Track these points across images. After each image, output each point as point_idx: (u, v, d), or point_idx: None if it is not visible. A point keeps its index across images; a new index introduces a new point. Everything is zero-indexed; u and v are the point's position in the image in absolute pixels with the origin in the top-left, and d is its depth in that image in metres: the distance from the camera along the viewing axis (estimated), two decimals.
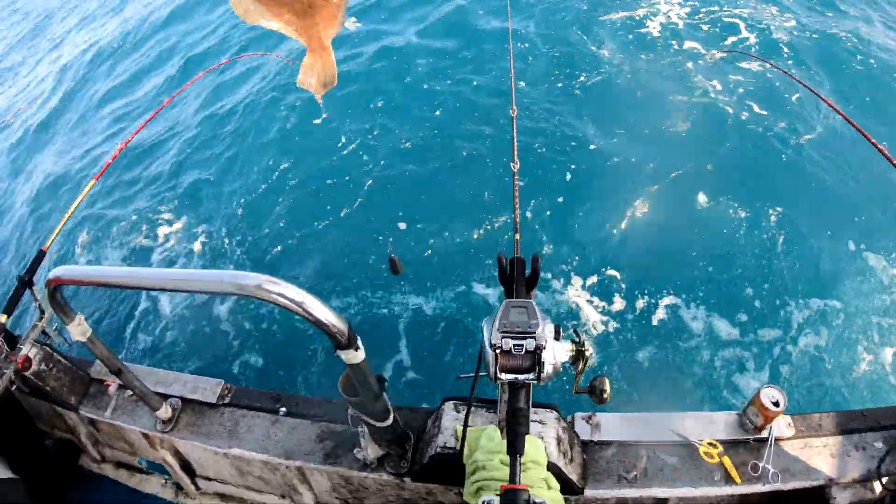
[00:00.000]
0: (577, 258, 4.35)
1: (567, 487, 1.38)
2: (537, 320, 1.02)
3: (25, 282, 1.83)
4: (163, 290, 1.17)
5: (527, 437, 1.02)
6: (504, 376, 1.01)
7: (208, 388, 1.83)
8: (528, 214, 4.61)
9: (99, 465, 2.33)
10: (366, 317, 4.22)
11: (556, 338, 1.03)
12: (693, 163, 4.89)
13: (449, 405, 1.51)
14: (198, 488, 2.13)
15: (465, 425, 1.23)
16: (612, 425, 1.56)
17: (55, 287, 1.36)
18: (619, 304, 4.03)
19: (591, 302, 4.06)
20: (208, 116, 7.09)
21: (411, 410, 1.65)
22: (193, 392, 1.83)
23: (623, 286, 4.11)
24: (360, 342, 1.12)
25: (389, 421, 1.37)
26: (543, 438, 1.39)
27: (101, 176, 2.35)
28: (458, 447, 1.33)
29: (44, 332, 1.91)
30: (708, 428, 1.54)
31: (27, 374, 1.81)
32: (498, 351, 1.00)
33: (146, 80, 8.59)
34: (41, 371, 1.84)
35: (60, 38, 11.77)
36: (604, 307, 4.02)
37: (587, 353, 1.05)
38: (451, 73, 6.47)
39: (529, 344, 1.00)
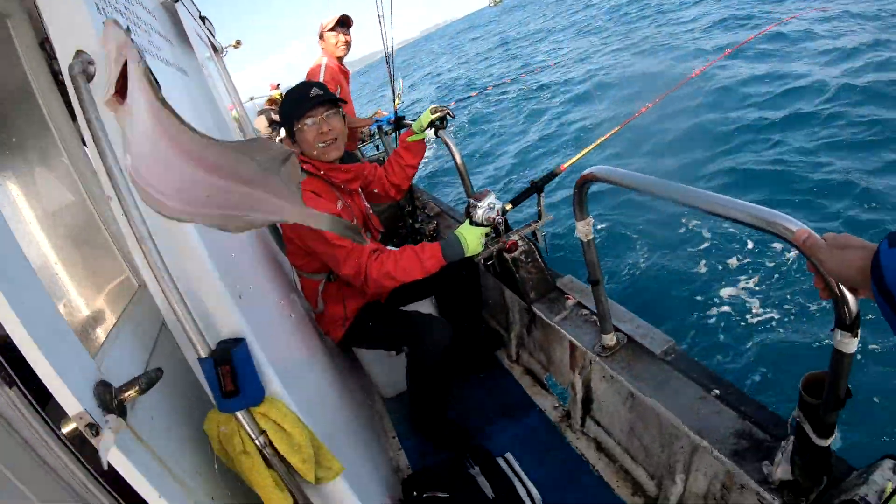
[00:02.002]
0: None
1: None
2: None
3: (537, 187, 2.13)
4: (690, 206, 1.13)
5: None
6: None
7: (656, 340, 1.79)
8: None
9: (511, 364, 2.69)
10: None
11: None
12: None
13: (888, 462, 1.16)
14: (582, 426, 2.18)
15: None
16: None
17: (585, 181, 1.51)
18: None
19: None
20: None
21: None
22: (643, 338, 1.82)
23: None
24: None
25: (829, 441, 1.11)
26: None
27: (635, 118, 2.25)
28: None
29: (534, 234, 2.23)
30: None
31: (508, 256, 2.17)
32: None
33: None
34: (519, 260, 2.17)
35: None
36: None
37: None
38: None
39: None
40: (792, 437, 1.23)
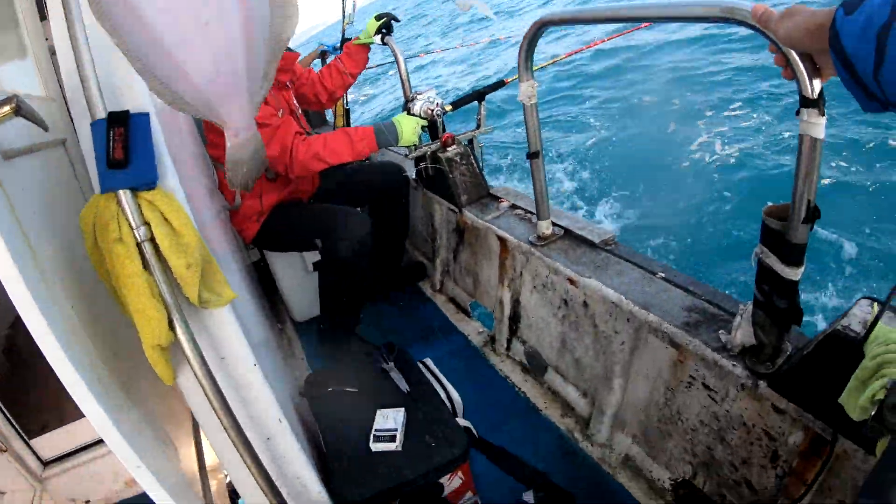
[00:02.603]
0: None
1: None
2: None
3: (480, 94, 2.09)
4: (647, 19, 1.09)
5: None
6: None
7: (595, 231, 1.71)
8: None
9: (434, 293, 2.57)
10: None
11: None
12: None
13: (864, 301, 1.06)
14: (508, 349, 2.10)
15: (881, 313, 0.88)
16: None
17: (539, 28, 1.43)
18: None
19: None
20: None
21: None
22: (581, 230, 1.73)
23: None
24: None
25: (798, 272, 0.98)
26: None
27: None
28: (863, 334, 0.92)
29: (470, 142, 2.17)
30: None
31: (442, 156, 2.09)
32: None
33: None
34: (453, 161, 2.07)
35: None
36: None
37: None
38: None
39: None
40: (751, 302, 1.10)
